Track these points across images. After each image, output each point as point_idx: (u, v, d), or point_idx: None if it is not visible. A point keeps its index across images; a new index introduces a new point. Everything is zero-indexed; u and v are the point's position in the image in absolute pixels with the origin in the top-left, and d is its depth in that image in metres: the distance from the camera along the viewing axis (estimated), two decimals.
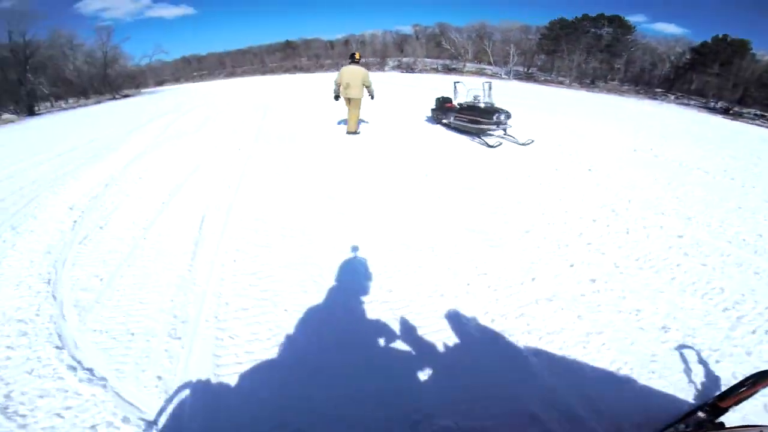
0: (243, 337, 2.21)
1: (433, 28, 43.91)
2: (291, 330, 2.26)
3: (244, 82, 34.44)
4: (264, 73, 41.91)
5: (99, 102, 25.33)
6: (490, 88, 7.35)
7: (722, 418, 1.53)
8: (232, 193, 4.51)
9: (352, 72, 6.70)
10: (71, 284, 2.94)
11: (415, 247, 3.10)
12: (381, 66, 40.36)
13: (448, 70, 38.86)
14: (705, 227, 3.54)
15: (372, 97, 7.10)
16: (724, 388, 1.44)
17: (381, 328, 2.23)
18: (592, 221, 3.50)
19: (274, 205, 4.15)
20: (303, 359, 2.04)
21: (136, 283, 2.87)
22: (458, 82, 8.24)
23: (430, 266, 2.83)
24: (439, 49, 41.04)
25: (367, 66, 41.72)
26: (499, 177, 4.87)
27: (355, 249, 3.12)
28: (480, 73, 36.69)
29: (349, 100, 6.92)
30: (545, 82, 30.42)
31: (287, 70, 41.42)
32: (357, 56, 6.90)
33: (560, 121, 9.55)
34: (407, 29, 46.94)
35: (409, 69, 39.97)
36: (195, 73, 46.04)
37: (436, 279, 2.67)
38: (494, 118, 6.58)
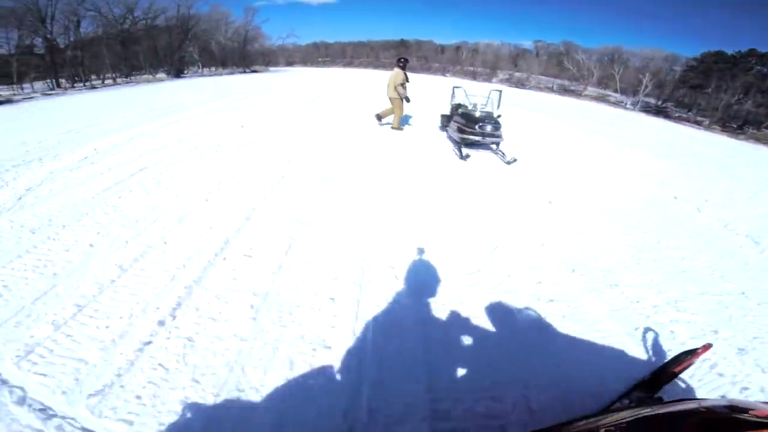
0: (70, 231, 3.01)
1: (557, 46, 40.76)
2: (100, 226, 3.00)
3: (353, 72, 36.80)
4: (376, 67, 44.12)
5: (232, 73, 30.05)
6: (499, 98, 6.64)
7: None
8: (187, 155, 5.31)
9: (391, 75, 7.35)
10: (35, 193, 3.93)
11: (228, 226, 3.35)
12: (489, 77, 38.98)
13: (565, 91, 35.64)
14: (615, 300, 2.62)
15: (406, 100, 7.36)
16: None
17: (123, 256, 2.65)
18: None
19: (193, 166, 4.87)
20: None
21: (67, 196, 3.75)
22: (457, 87, 7.49)
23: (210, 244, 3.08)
24: (559, 69, 37.92)
25: (474, 75, 40.77)
26: (412, 191, 4.42)
27: (194, 208, 3.57)
28: (602, 99, 32.85)
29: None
30: (678, 119, 25.81)
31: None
32: (398, 60, 7.37)
33: (616, 155, 8.03)
34: (528, 44, 44.44)
35: (520, 84, 37.80)
36: (320, 59, 50.82)
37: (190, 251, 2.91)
38: (476, 128, 5.94)
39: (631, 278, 2.94)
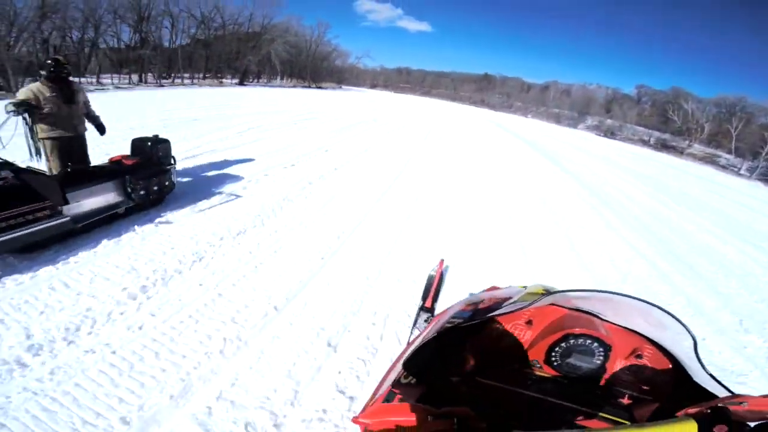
0: None
1: (664, 93, 35.94)
2: None
3: (424, 104, 35.99)
4: (453, 99, 43.58)
5: (294, 86, 30.87)
6: None
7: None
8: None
9: None
10: None
11: None
12: (575, 122, 35.61)
13: (663, 146, 30.92)
14: None
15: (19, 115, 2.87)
16: None
17: None
18: None
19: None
20: None
21: None
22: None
23: None
24: (661, 119, 33.27)
25: (558, 119, 37.22)
26: None
27: None
28: (709, 160, 27.71)
29: None
30: None
31: (474, 102, 41.74)
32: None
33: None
34: (629, 88, 40.11)
35: (609, 133, 33.87)
36: (401, 84, 52.12)
37: None
38: None
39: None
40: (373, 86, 53.10)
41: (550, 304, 0.87)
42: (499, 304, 0.92)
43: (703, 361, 0.75)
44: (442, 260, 2.02)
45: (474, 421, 0.66)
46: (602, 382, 0.83)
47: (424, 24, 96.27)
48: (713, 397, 0.69)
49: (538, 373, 0.85)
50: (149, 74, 18.59)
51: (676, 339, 0.79)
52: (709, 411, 0.59)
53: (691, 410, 0.63)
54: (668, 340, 0.81)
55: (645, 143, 32.36)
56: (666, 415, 0.74)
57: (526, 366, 0.86)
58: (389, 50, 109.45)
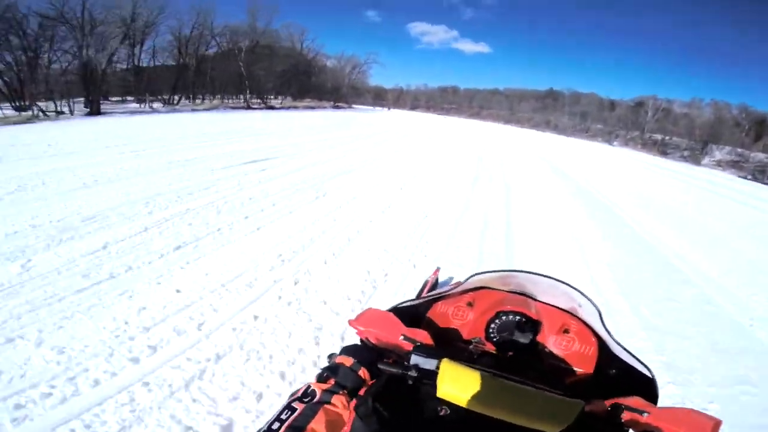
0: None
1: None
2: None
3: (468, 129, 26.14)
4: (508, 121, 33.04)
5: (214, 110, 18.38)
6: None
7: None
8: None
9: None
10: None
11: None
12: (695, 157, 22.98)
13: None
14: None
15: None
16: None
17: None
18: None
19: None
20: None
21: None
22: None
23: None
24: None
25: (664, 148, 24.88)
26: None
27: None
28: None
29: None
30: None
31: (536, 125, 30.69)
32: None
33: None
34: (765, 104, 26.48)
35: (763, 175, 20.97)
36: (445, 105, 43.15)
37: None
38: None
39: None
40: (414, 107, 45.97)
41: (487, 288, 0.95)
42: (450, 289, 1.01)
43: (611, 330, 0.80)
44: (438, 268, 2.07)
45: (430, 349, 0.71)
46: (537, 355, 0.88)
47: (481, 45, 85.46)
48: (627, 366, 0.76)
49: (480, 348, 0.89)
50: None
51: (589, 312, 0.88)
52: (609, 408, 0.60)
53: (596, 405, 0.62)
54: (585, 314, 0.88)
55: None
56: (590, 383, 0.83)
57: (469, 343, 0.91)
58: (440, 70, 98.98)
